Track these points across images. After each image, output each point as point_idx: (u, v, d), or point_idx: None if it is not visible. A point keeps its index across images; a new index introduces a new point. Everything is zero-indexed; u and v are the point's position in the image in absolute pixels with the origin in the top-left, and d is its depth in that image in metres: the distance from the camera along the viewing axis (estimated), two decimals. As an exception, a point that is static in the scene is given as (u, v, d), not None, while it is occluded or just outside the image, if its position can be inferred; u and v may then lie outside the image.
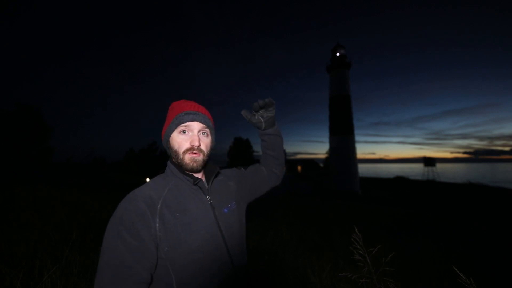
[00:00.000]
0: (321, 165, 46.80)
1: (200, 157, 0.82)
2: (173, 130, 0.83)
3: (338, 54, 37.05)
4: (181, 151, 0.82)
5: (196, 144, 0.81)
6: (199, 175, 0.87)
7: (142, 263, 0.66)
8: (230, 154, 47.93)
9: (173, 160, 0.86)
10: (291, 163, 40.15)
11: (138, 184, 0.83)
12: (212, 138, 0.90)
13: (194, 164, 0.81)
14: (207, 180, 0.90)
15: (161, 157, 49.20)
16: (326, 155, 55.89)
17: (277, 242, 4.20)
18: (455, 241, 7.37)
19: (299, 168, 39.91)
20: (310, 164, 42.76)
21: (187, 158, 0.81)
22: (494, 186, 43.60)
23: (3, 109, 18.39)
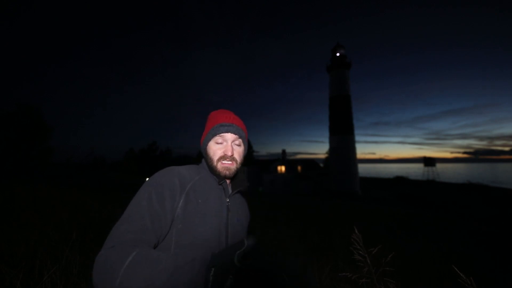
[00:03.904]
0: (321, 165, 46.80)
1: (233, 166, 0.91)
2: (210, 140, 0.93)
3: (338, 54, 37.05)
4: (215, 158, 0.91)
5: (229, 153, 0.89)
6: (226, 182, 0.95)
7: (154, 228, 0.71)
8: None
9: (208, 164, 0.95)
10: (291, 163, 40.10)
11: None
12: (244, 147, 0.98)
13: (227, 172, 0.90)
14: (233, 189, 0.96)
15: (161, 157, 49.20)
16: (326, 155, 55.92)
17: (276, 242, 4.20)
18: (455, 241, 7.37)
19: (299, 168, 39.89)
20: (310, 164, 42.74)
21: (220, 166, 0.90)
22: (494, 186, 43.61)
23: (3, 109, 18.38)
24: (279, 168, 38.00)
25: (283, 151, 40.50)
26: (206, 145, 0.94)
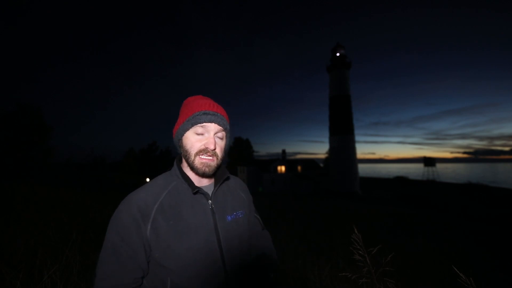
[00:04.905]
0: (321, 165, 46.81)
1: (214, 162, 0.79)
2: (188, 129, 0.78)
3: (338, 54, 37.05)
4: (193, 152, 0.77)
5: (212, 147, 0.77)
6: (205, 179, 0.85)
7: (127, 269, 0.70)
8: (230, 154, 47.99)
9: (183, 159, 0.84)
10: (291, 163, 40.13)
11: (138, 184, 0.83)
12: (226, 141, 0.86)
13: (206, 169, 0.78)
14: (216, 183, 0.86)
15: (161, 157, 49.22)
16: (326, 155, 55.94)
17: (276, 242, 4.20)
18: (455, 241, 7.36)
19: (299, 168, 39.89)
20: (310, 164, 42.75)
21: (198, 161, 0.77)
22: (494, 186, 43.60)
23: (3, 109, 18.40)
24: (279, 168, 38.00)
25: (283, 151, 40.54)
26: (182, 135, 0.80)
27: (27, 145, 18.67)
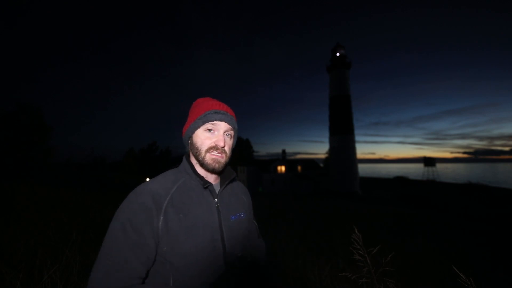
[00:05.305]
0: (321, 165, 46.82)
1: (223, 159, 0.82)
2: (199, 127, 0.82)
3: (338, 54, 37.06)
4: (203, 148, 0.81)
5: (221, 144, 0.80)
6: (213, 177, 0.87)
7: (139, 259, 0.67)
8: (230, 154, 48.01)
9: (193, 156, 0.86)
10: (291, 163, 40.13)
11: (138, 184, 0.82)
12: (234, 140, 0.90)
13: (216, 165, 0.81)
14: (222, 183, 0.89)
15: (161, 157, 49.22)
16: (326, 155, 55.99)
17: (276, 242, 4.20)
18: (455, 241, 7.36)
19: (299, 168, 39.89)
20: (310, 164, 42.76)
21: (209, 158, 0.80)
22: (494, 186, 43.62)
23: (3, 109, 18.38)
24: (279, 168, 38.00)
25: (283, 151, 40.56)
26: (193, 133, 0.83)
27: (27, 145, 18.65)
